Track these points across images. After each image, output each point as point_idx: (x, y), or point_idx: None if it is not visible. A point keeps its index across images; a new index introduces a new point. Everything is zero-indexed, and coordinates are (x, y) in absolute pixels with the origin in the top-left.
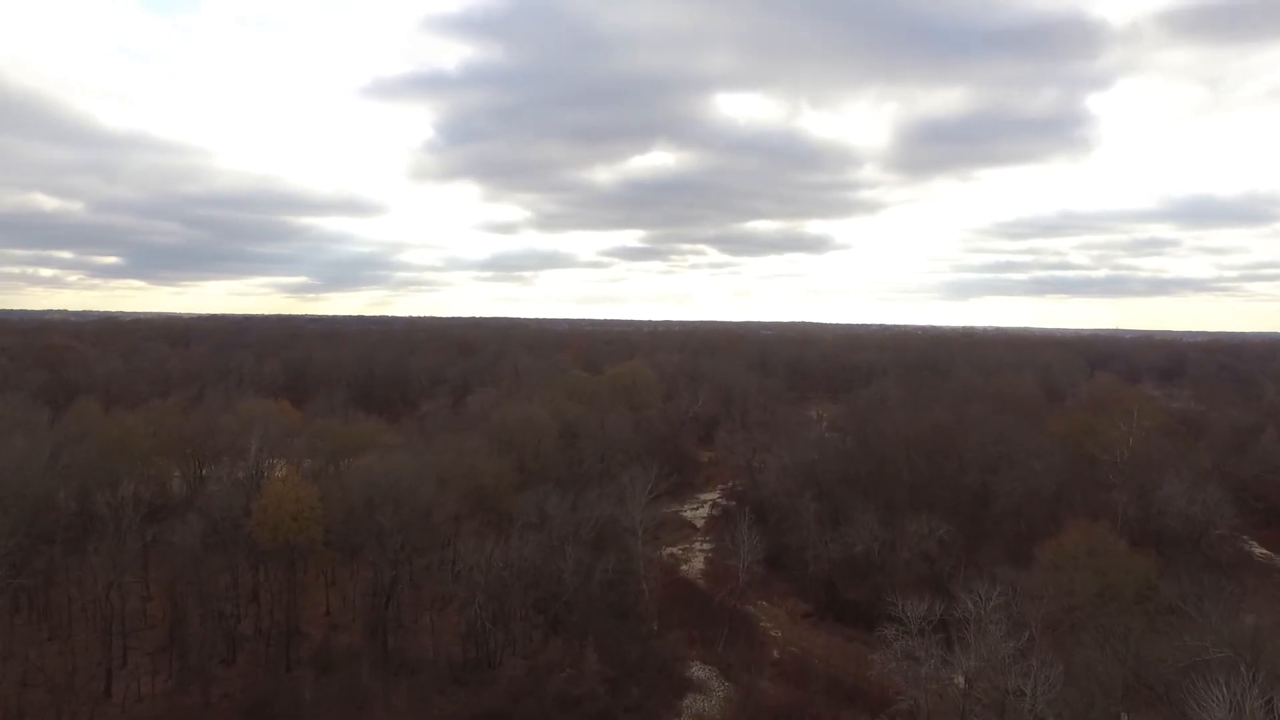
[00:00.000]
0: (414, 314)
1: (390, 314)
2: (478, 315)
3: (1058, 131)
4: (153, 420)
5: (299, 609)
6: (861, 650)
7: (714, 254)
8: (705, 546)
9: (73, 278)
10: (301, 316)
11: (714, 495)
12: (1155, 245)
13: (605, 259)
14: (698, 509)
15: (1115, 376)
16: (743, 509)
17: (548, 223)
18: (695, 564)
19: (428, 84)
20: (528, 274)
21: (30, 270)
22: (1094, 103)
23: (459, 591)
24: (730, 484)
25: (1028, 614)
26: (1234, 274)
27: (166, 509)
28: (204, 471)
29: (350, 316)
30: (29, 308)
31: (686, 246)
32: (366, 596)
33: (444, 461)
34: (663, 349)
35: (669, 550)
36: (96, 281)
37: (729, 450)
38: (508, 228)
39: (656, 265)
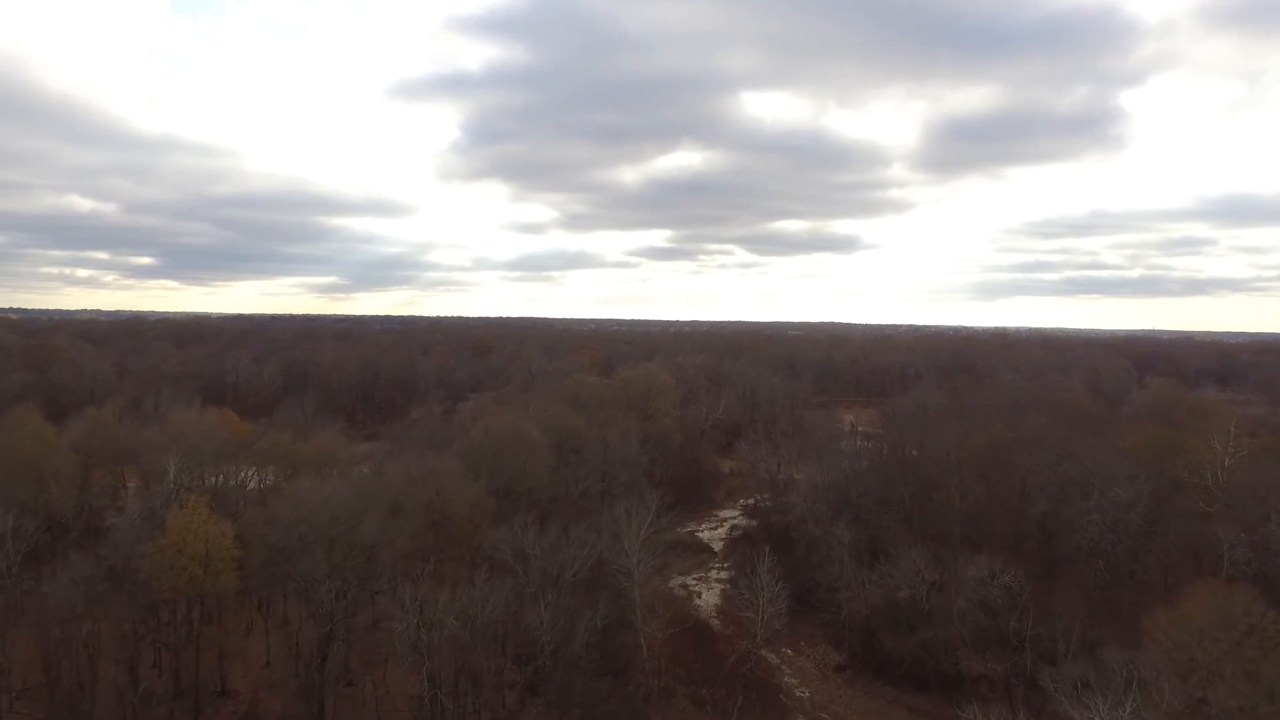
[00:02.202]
0: (442, 314)
1: (419, 314)
2: (504, 315)
3: (1089, 129)
4: (84, 431)
5: (232, 659)
6: (906, 718)
7: (742, 254)
8: (723, 575)
9: (108, 278)
10: (327, 316)
11: (734, 513)
12: (1190, 244)
13: (632, 259)
14: (716, 528)
15: (1175, 381)
16: (762, 548)
17: (574, 223)
18: (710, 597)
19: (452, 85)
20: (555, 274)
21: (67, 271)
22: (1127, 99)
23: (405, 655)
24: (753, 499)
25: None
26: (1272, 273)
27: (64, 545)
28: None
29: (377, 316)
30: (64, 307)
31: (714, 246)
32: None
33: (403, 485)
34: (685, 350)
35: (680, 580)
36: (131, 282)
37: (752, 464)
38: (535, 228)
39: (684, 265)
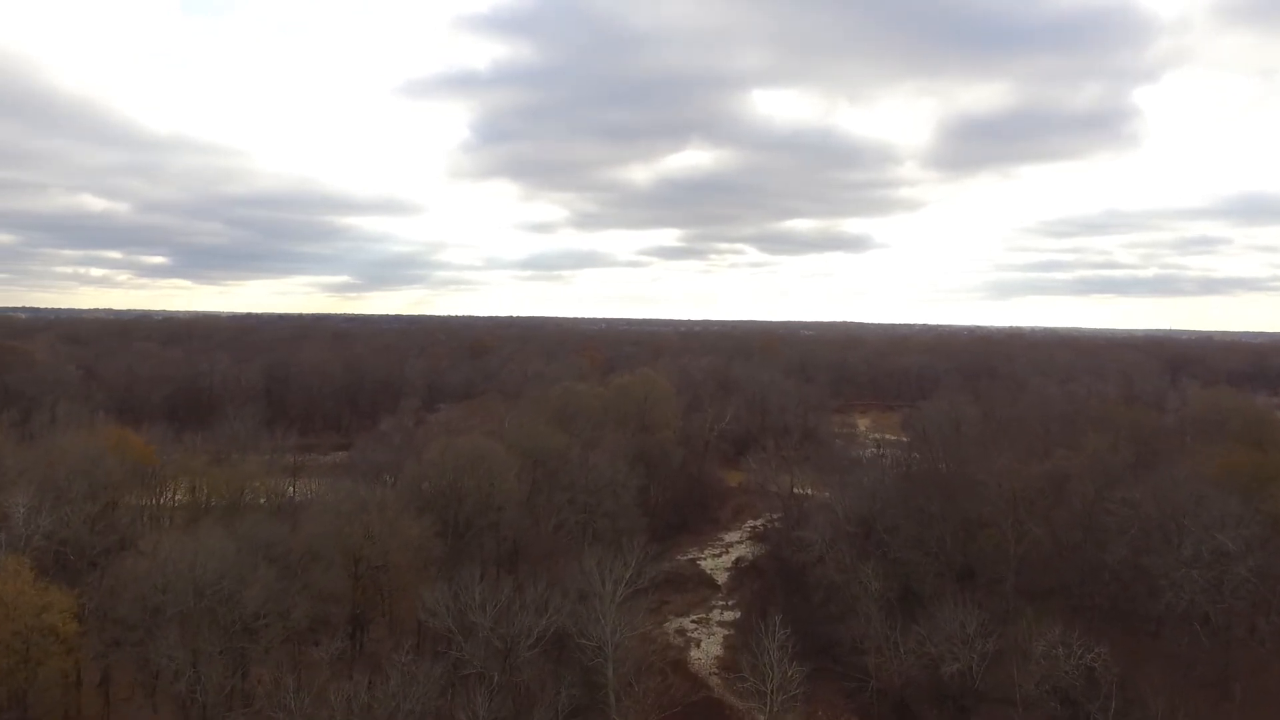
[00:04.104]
0: (453, 313)
1: (430, 313)
2: (515, 315)
3: (1103, 127)
4: None
5: None
6: None
7: (753, 253)
8: (727, 616)
9: (122, 277)
10: (335, 316)
11: (742, 535)
12: (1205, 243)
13: (643, 258)
14: (720, 555)
15: (1227, 387)
16: (772, 619)
17: (585, 222)
18: (711, 646)
19: (460, 84)
20: (566, 273)
21: (82, 270)
22: (1141, 96)
23: None
24: (763, 520)
25: None
26: None
27: None
28: None
29: (388, 316)
30: (77, 306)
31: (725, 246)
32: None
33: (323, 527)
34: (692, 351)
35: (678, 623)
36: (145, 281)
37: (761, 484)
38: (545, 227)
39: (695, 265)
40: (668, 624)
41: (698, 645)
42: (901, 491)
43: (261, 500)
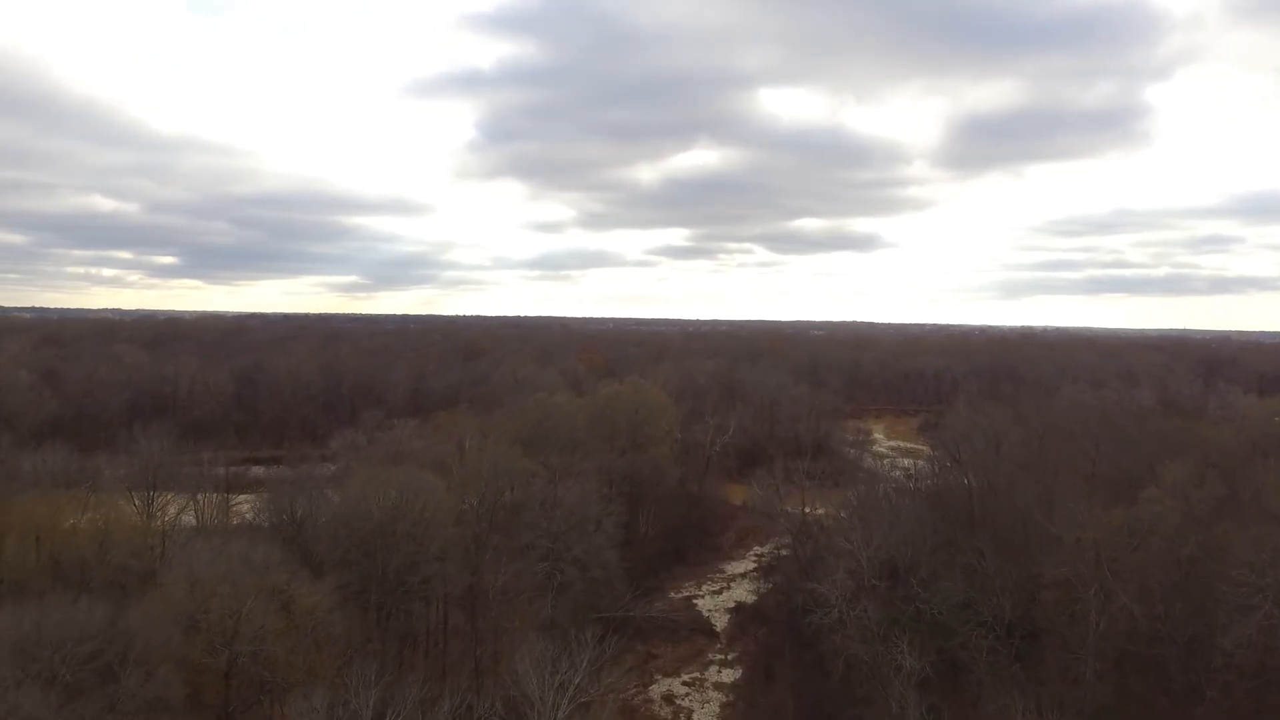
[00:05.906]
0: (461, 313)
1: (439, 313)
2: (523, 314)
3: (1114, 125)
4: None
5: None
6: None
7: (761, 253)
8: (726, 677)
9: (133, 277)
10: (340, 315)
11: (747, 565)
12: (1217, 242)
13: (652, 258)
14: (720, 592)
15: None
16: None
17: (592, 222)
18: (704, 718)
19: (465, 83)
20: (574, 273)
21: (93, 271)
22: (1153, 94)
23: None
24: (770, 547)
25: None
26: None
27: None
28: None
29: (395, 315)
30: (88, 306)
31: (734, 245)
32: None
33: (166, 605)
34: (696, 353)
35: (666, 686)
36: (156, 281)
37: (769, 511)
38: (553, 226)
39: (703, 264)
40: (654, 686)
41: (689, 718)
42: (941, 536)
43: (133, 558)
